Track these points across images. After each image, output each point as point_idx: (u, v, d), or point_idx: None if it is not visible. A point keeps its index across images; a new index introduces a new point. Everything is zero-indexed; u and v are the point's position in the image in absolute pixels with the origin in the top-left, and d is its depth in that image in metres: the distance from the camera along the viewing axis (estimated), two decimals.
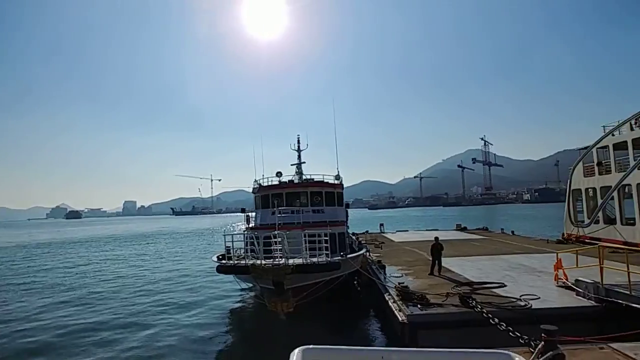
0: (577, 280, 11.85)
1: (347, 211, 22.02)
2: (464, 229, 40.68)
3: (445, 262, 17.40)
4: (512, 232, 35.53)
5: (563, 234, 27.91)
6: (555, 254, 14.26)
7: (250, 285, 16.65)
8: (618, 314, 9.86)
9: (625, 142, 22.87)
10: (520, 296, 11.68)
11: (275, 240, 13.88)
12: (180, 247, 52.63)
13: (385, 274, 16.36)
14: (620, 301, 10.00)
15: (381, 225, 43.58)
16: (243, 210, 21.12)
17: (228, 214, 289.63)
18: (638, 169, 21.61)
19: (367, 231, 41.01)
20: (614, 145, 23.97)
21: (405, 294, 12.25)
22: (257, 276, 13.32)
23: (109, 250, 50.62)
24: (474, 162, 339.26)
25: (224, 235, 15.85)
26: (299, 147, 23.80)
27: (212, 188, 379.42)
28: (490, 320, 9.54)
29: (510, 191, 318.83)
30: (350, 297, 18.04)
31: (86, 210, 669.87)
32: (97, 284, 25.28)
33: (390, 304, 12.43)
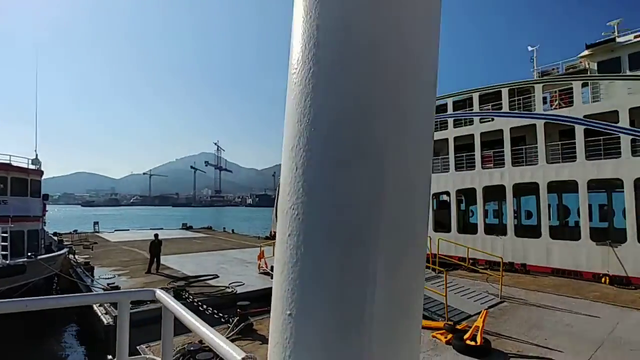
0: (272, 267, 14.69)
1: (45, 204, 17.99)
2: (189, 228, 41.70)
3: (166, 259, 17.43)
4: (232, 230, 39.49)
5: (271, 232, 33.71)
6: (259, 247, 17.08)
7: None
8: None
9: None
10: (229, 284, 13.38)
11: None
12: None
13: (93, 276, 14.56)
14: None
15: (95, 223, 38.21)
16: None
17: None
18: None
19: (75, 231, 34.85)
20: None
21: None
22: None
23: None
24: (206, 165, 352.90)
25: None
26: None
27: None
28: (199, 308, 10.37)
29: (237, 195, 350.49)
30: None
31: None
32: None
33: (95, 308, 11.18)
